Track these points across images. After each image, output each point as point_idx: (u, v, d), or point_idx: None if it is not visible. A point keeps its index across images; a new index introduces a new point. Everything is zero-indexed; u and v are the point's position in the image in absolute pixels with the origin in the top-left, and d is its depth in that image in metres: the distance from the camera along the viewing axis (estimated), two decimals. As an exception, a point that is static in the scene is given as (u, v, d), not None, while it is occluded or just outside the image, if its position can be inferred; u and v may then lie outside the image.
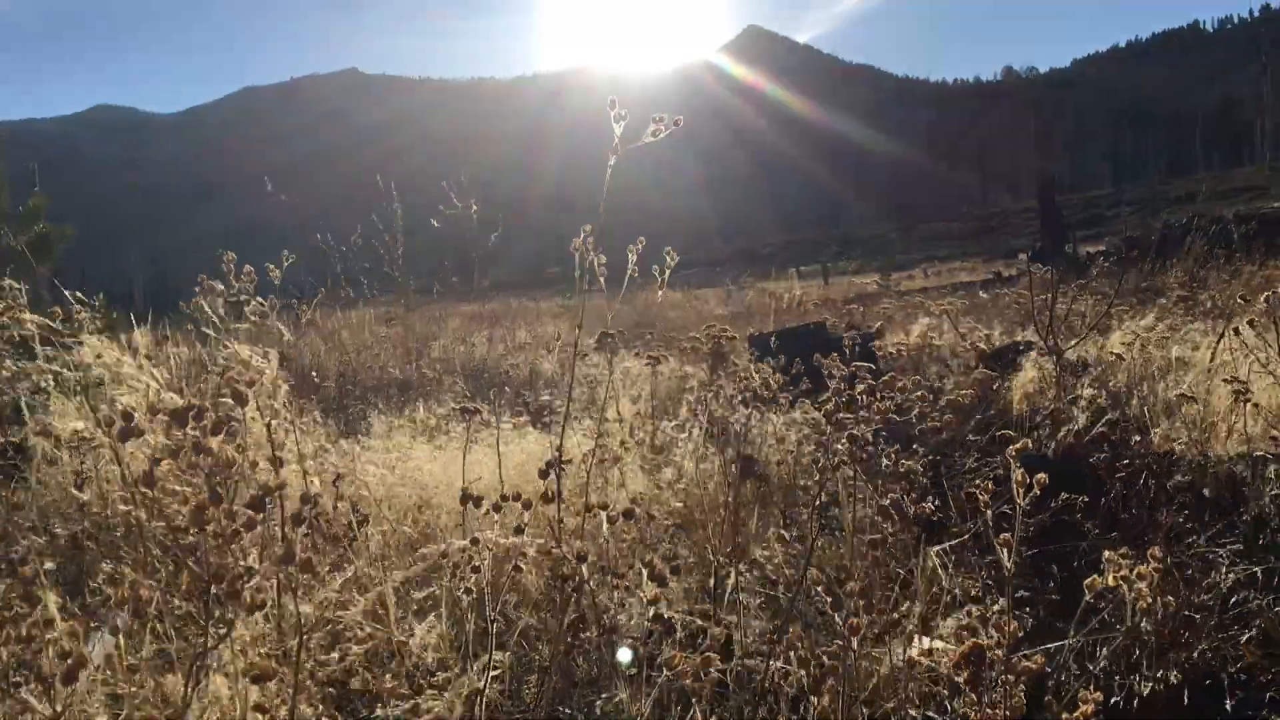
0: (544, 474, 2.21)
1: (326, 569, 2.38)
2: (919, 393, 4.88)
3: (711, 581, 2.69)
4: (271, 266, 3.04)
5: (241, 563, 1.27)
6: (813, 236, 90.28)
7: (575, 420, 4.11)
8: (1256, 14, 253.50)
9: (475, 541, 1.75)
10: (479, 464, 3.34)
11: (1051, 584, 3.03)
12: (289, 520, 1.43)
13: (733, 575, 2.57)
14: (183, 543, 1.27)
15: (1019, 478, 1.76)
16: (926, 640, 2.11)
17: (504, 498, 2.07)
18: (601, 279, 2.36)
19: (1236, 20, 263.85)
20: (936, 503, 3.05)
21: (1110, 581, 1.74)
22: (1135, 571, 1.73)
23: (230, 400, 1.54)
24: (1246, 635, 2.53)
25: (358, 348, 11.39)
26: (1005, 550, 1.76)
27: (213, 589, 1.25)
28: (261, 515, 1.36)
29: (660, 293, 2.52)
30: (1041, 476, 1.81)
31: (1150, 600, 1.72)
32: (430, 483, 3.42)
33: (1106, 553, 1.81)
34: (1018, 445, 1.90)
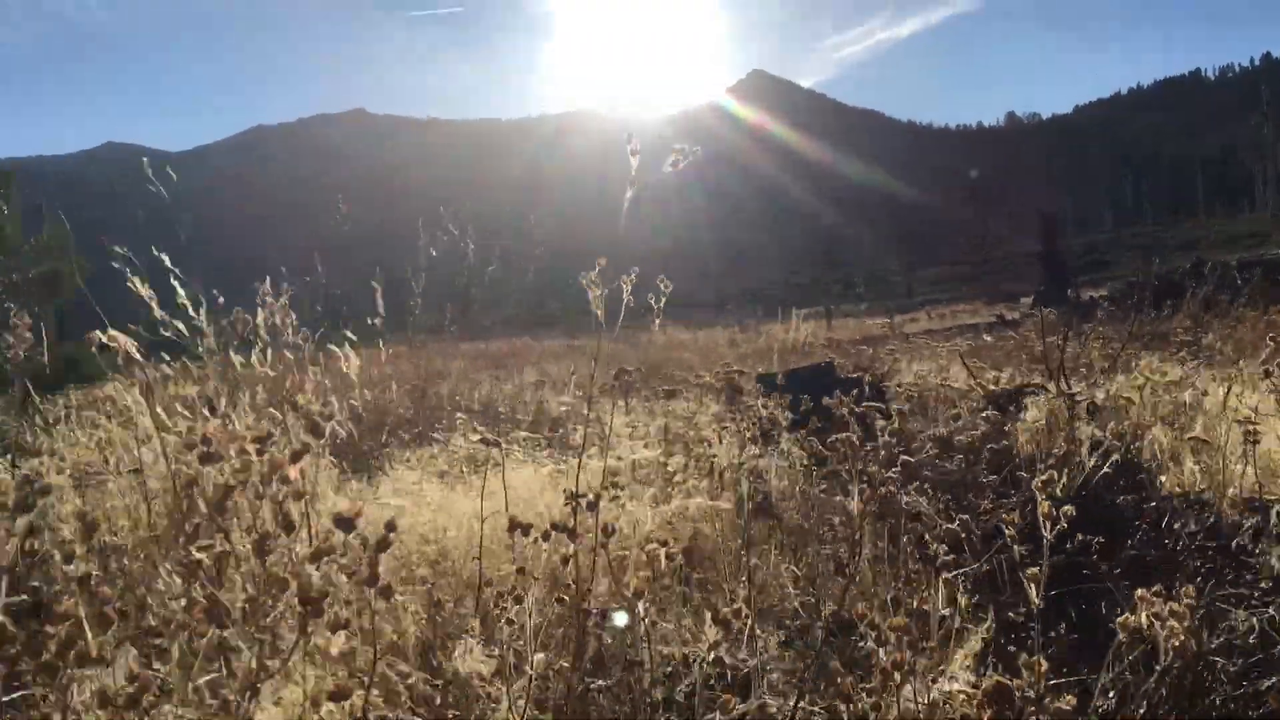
0: (586, 507, 2.22)
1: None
2: (929, 433, 4.89)
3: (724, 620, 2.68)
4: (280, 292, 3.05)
5: (323, 583, 1.29)
6: (818, 277, 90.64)
7: (587, 458, 4.11)
8: (1257, 63, 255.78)
9: (521, 571, 1.75)
10: (491, 500, 3.33)
11: (1065, 625, 3.02)
12: (373, 547, 1.44)
13: (749, 614, 2.55)
14: (242, 570, 1.28)
15: (1045, 510, 1.77)
16: (946, 682, 2.10)
17: (555, 525, 2.08)
18: (609, 316, 2.38)
19: (1237, 69, 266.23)
20: (949, 542, 3.04)
21: (1143, 620, 1.74)
22: (1169, 608, 1.72)
23: (306, 431, 1.56)
24: (1268, 683, 2.51)
25: (364, 384, 11.41)
26: (1033, 586, 1.76)
27: (295, 607, 1.26)
28: (344, 539, 1.37)
29: (657, 321, 2.54)
30: (1068, 509, 1.82)
31: (1183, 639, 1.72)
32: (440, 521, 3.42)
33: (1139, 590, 1.81)
34: (1044, 478, 1.91)
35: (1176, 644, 1.71)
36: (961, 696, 1.96)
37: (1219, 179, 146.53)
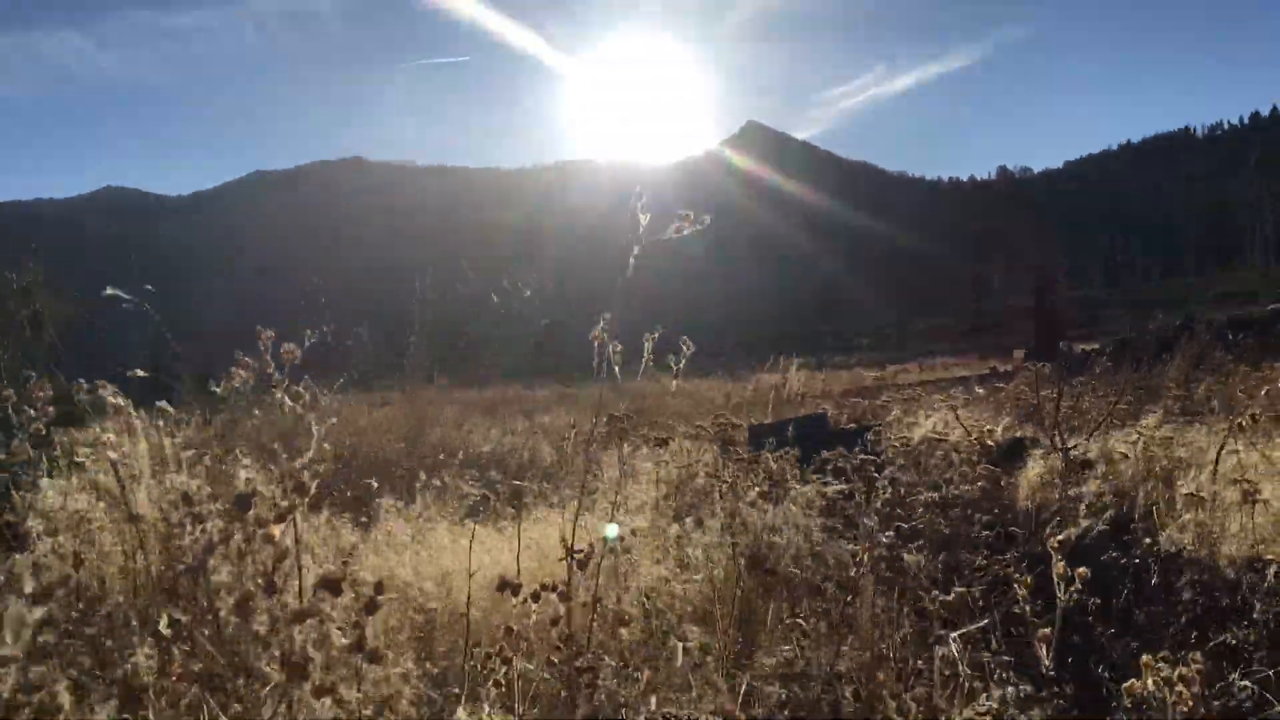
0: (582, 563, 2.19)
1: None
2: (926, 492, 4.87)
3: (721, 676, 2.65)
4: (290, 347, 3.04)
5: (308, 649, 1.26)
6: (813, 329, 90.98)
7: (584, 510, 4.08)
8: (1246, 121, 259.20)
9: (510, 631, 1.72)
10: (479, 553, 3.31)
11: (1062, 682, 2.98)
12: (362, 609, 1.41)
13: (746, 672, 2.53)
14: (224, 632, 1.25)
15: (1060, 570, 1.75)
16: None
17: (544, 586, 2.05)
18: (611, 366, 2.37)
19: (1227, 126, 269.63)
20: (946, 598, 3.02)
21: (1150, 685, 1.72)
22: (1177, 673, 1.70)
23: (293, 489, 1.53)
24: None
25: (356, 431, 11.37)
26: (1044, 646, 1.74)
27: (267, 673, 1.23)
28: (331, 602, 1.34)
29: (674, 383, 2.53)
30: (1083, 570, 1.81)
31: (1191, 705, 1.70)
32: (432, 573, 3.38)
33: (1144, 657, 1.79)
34: (1060, 537, 1.90)
35: (1185, 710, 1.69)
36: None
37: (1210, 235, 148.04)
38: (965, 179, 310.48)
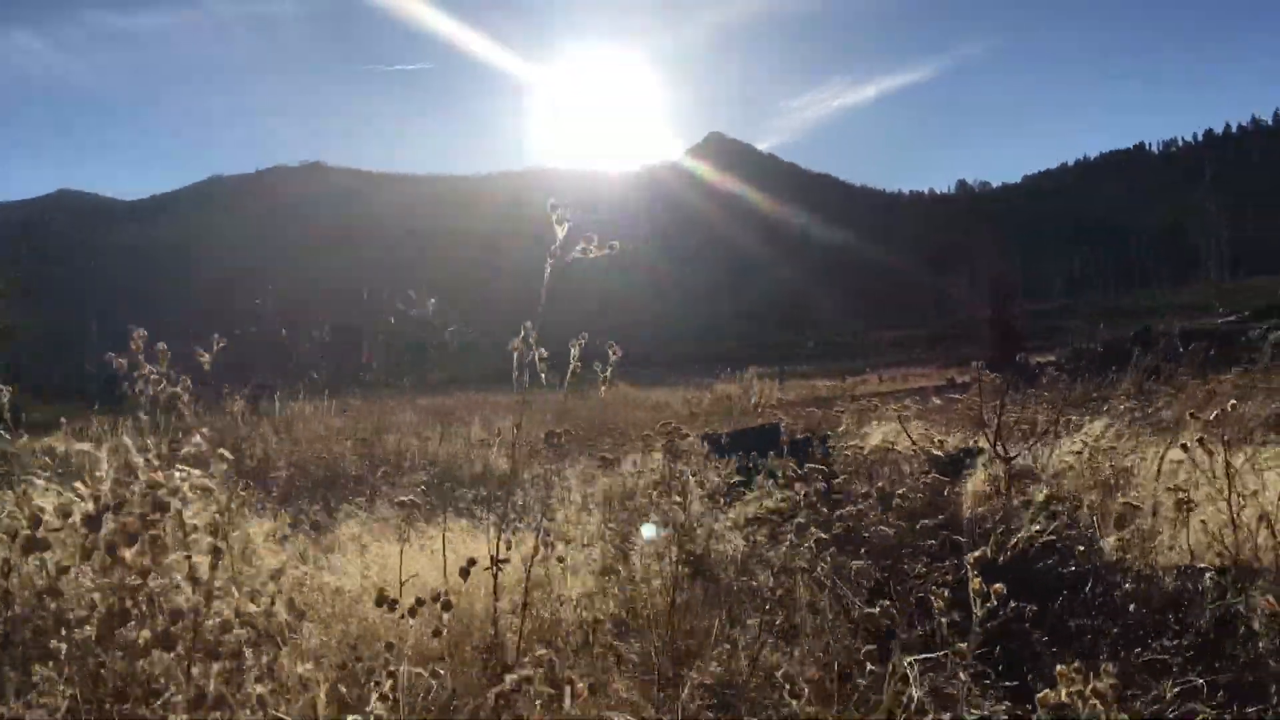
0: (464, 573, 2.16)
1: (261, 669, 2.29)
2: (871, 498, 4.89)
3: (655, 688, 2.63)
4: (200, 351, 2.96)
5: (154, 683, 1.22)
6: (775, 339, 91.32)
7: (528, 517, 4.06)
8: (1200, 138, 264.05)
9: (390, 647, 1.69)
10: (417, 561, 3.27)
11: (998, 692, 2.99)
12: (205, 654, 1.34)
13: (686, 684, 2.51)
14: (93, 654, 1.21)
15: (976, 586, 1.75)
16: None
17: (419, 602, 2.01)
18: (537, 375, 2.35)
19: (1181, 143, 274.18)
20: (886, 606, 3.03)
21: (1064, 697, 1.72)
22: (1090, 688, 1.71)
23: (151, 506, 1.47)
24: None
25: (310, 439, 11.26)
26: (959, 661, 1.74)
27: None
28: (179, 630, 1.30)
29: (603, 388, 2.51)
30: (999, 587, 1.81)
31: (1106, 716, 1.70)
32: (370, 584, 3.34)
33: (1059, 667, 1.79)
34: (976, 554, 1.90)
35: None
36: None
37: (1165, 250, 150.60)
38: (925, 192, 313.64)
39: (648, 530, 3.50)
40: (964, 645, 1.78)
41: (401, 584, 2.48)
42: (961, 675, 1.79)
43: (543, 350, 2.28)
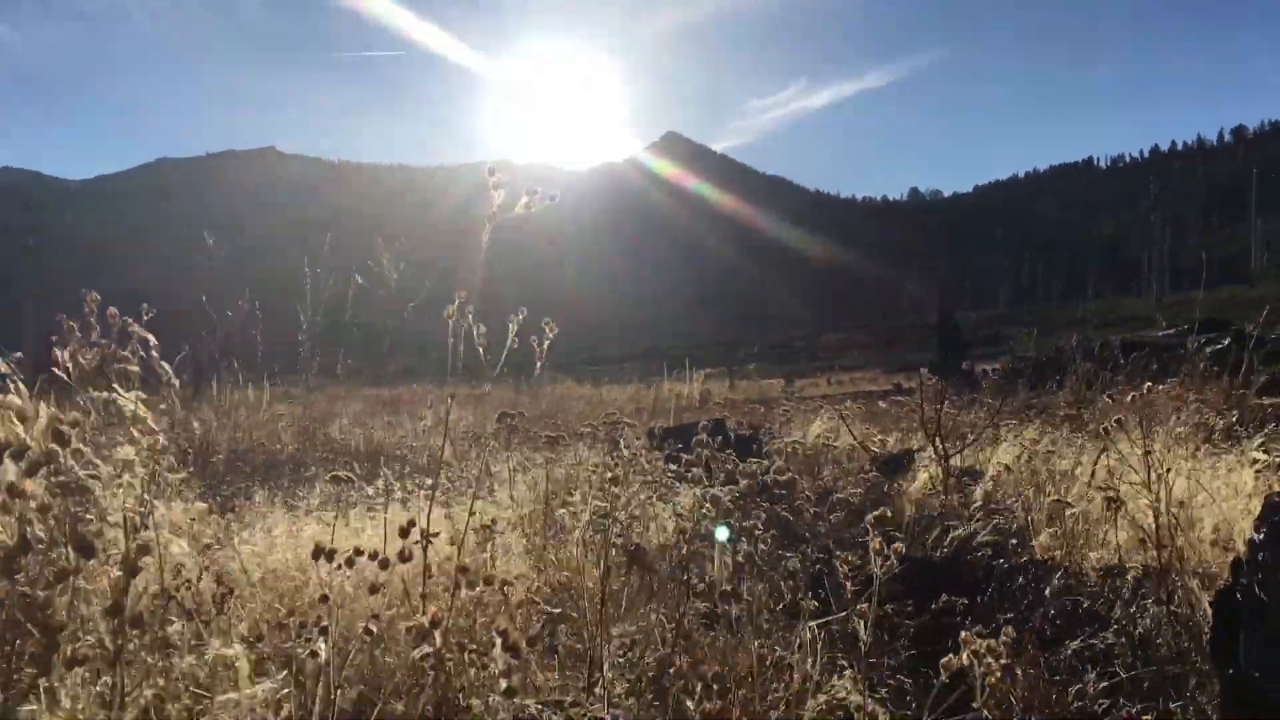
0: (404, 532, 2.14)
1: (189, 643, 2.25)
2: (809, 493, 4.92)
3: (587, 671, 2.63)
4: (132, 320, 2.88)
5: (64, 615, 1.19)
6: (727, 338, 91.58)
7: (465, 499, 4.03)
8: (1146, 155, 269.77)
9: (324, 599, 1.67)
10: (355, 539, 3.23)
11: (932, 685, 3.03)
12: (126, 572, 1.33)
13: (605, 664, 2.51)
14: None
15: (876, 545, 1.77)
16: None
17: (358, 552, 1.99)
18: (495, 362, 2.33)
19: (1128, 159, 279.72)
20: (819, 595, 3.05)
21: (964, 660, 1.75)
22: (986, 646, 1.74)
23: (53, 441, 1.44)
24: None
25: (252, 425, 11.08)
26: (861, 622, 1.75)
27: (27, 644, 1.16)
28: (87, 563, 1.28)
29: (537, 365, 2.50)
30: (898, 546, 1.83)
31: (999, 676, 1.73)
32: (304, 561, 3.30)
33: (963, 634, 1.82)
34: (878, 513, 1.92)
35: (993, 681, 1.72)
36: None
37: (1110, 263, 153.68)
38: (879, 198, 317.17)
39: (584, 517, 3.49)
40: (863, 605, 1.80)
41: (333, 551, 2.45)
42: (863, 635, 1.80)
43: (482, 326, 2.26)
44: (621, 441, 4.44)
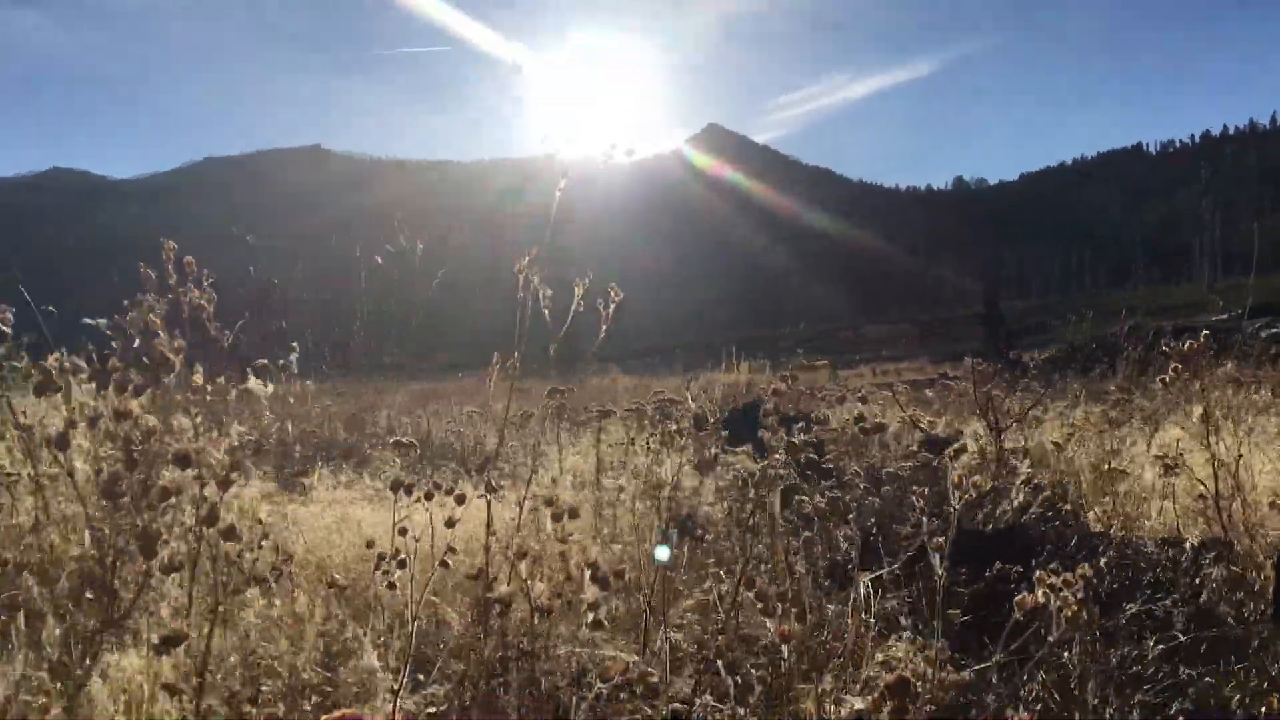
0: (460, 499, 2.18)
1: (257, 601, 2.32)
2: (858, 469, 4.92)
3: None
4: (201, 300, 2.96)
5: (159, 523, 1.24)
6: (769, 330, 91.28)
7: (519, 480, 4.08)
8: (1197, 139, 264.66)
9: (404, 532, 1.71)
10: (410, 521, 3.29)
11: (988, 652, 3.02)
12: (221, 484, 1.38)
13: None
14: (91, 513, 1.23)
15: (956, 479, 1.78)
16: (856, 700, 2.08)
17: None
18: (539, 309, 2.36)
19: (1178, 144, 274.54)
20: (871, 566, 3.05)
21: (1039, 597, 1.75)
22: (1063, 579, 1.73)
23: (154, 364, 1.50)
24: (1177, 706, 2.53)
25: (302, 416, 11.27)
26: (937, 557, 1.76)
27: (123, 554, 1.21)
28: (185, 474, 1.32)
29: (604, 327, 2.52)
30: (977, 479, 1.83)
31: (1076, 609, 1.73)
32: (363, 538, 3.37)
33: (1037, 573, 1.82)
34: (956, 446, 1.92)
35: (1069, 614, 1.72)
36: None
37: (1158, 250, 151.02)
38: (923, 188, 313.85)
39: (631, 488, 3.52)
40: (940, 539, 1.80)
41: (395, 524, 2.51)
42: (938, 568, 1.81)
43: (547, 290, 2.29)
44: (673, 420, 4.46)
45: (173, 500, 1.28)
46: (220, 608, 1.43)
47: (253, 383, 1.78)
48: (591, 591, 1.68)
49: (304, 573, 2.98)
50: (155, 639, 1.34)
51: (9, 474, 3.75)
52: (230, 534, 1.35)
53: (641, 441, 4.82)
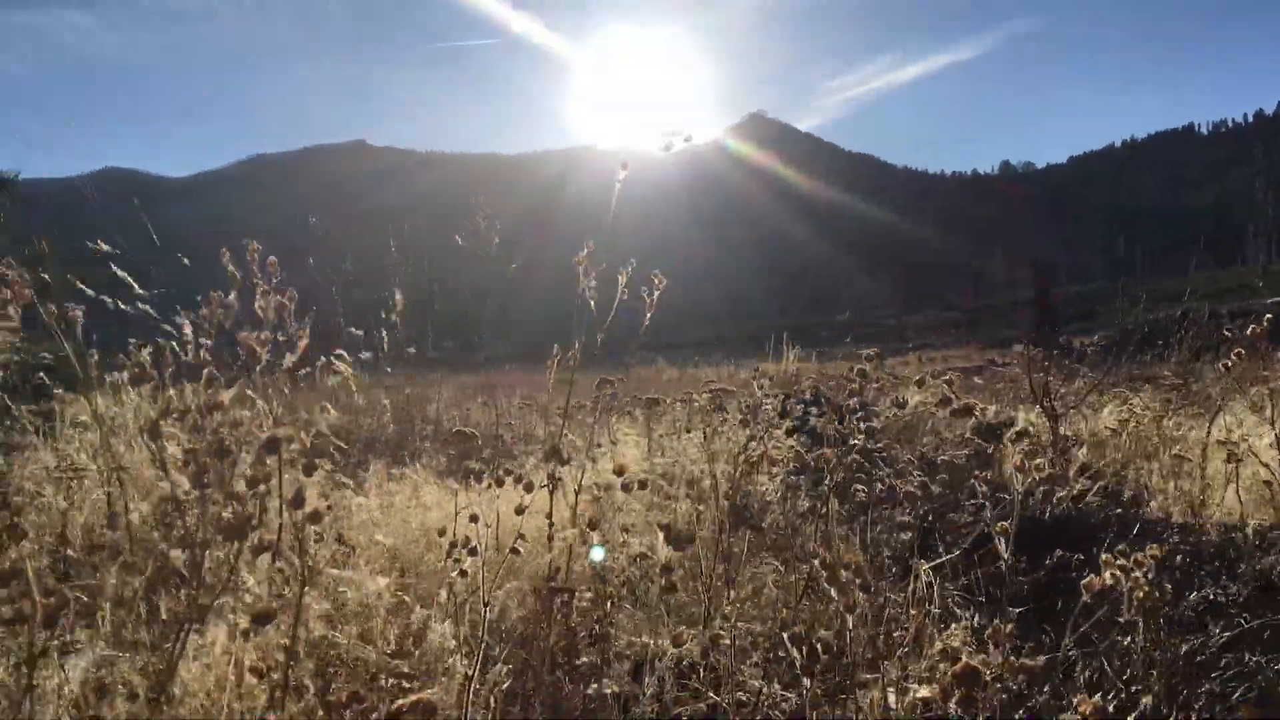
0: (529, 486, 2.20)
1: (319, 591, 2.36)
2: (911, 458, 4.89)
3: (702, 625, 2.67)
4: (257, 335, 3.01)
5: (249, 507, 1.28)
6: (812, 320, 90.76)
7: (572, 465, 4.10)
8: (1250, 118, 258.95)
9: (475, 519, 1.74)
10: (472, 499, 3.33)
11: (1047, 640, 3.00)
12: (305, 469, 1.42)
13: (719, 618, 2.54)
14: (182, 497, 1.27)
15: (1018, 463, 1.77)
16: (920, 689, 2.08)
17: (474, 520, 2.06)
18: (588, 300, 2.37)
19: (1230, 124, 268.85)
20: (928, 554, 3.04)
21: (1108, 579, 1.73)
22: (1134, 559, 1.72)
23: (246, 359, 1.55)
24: (1243, 692, 2.50)
25: (354, 409, 11.41)
26: (1002, 540, 1.75)
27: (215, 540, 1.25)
28: (272, 461, 1.37)
29: (648, 316, 2.53)
30: (1039, 462, 1.82)
31: (1147, 590, 1.71)
32: (423, 526, 3.42)
33: (1104, 555, 1.80)
34: (1017, 429, 1.91)
35: (1141, 595, 1.70)
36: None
37: (1210, 232, 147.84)
38: (969, 172, 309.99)
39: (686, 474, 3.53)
40: (1005, 524, 1.79)
41: (457, 513, 2.54)
42: (1004, 553, 1.80)
43: (592, 281, 2.31)
44: (726, 410, 4.48)
45: (261, 487, 1.31)
46: (307, 588, 1.47)
47: (342, 366, 1.82)
48: (666, 553, 1.70)
49: (365, 555, 3.03)
50: (242, 620, 1.39)
51: (78, 469, 3.86)
52: (315, 518, 1.39)
53: (696, 431, 4.83)
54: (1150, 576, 1.74)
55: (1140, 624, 1.84)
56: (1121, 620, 1.82)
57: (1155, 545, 1.91)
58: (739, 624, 2.54)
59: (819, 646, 1.62)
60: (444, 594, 2.19)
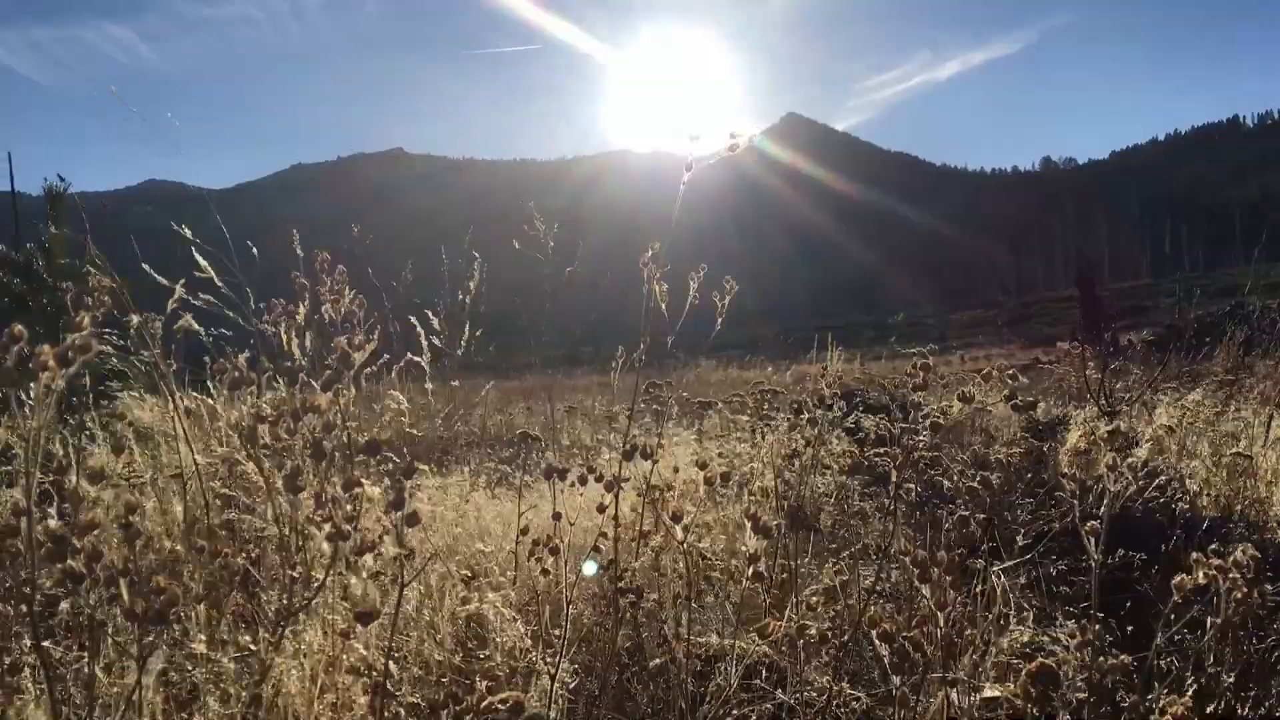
0: (585, 479, 2.22)
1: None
2: (963, 458, 4.86)
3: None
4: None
5: (346, 509, 1.30)
6: (851, 320, 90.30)
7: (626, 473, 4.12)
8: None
9: (558, 517, 1.76)
10: (527, 506, 3.36)
11: (1109, 639, 2.97)
12: (403, 472, 1.45)
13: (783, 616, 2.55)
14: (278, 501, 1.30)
15: (1110, 461, 1.75)
16: (989, 688, 2.08)
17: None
18: (658, 305, 2.37)
19: (1277, 115, 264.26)
20: (983, 554, 3.02)
21: (1201, 578, 1.72)
22: (1231, 560, 1.70)
23: (342, 364, 1.58)
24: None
25: (401, 415, 11.54)
26: (1091, 539, 1.74)
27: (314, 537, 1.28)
28: (370, 459, 1.39)
29: (719, 321, 2.54)
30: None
31: (1245, 590, 1.69)
32: (482, 528, 3.45)
33: (1195, 555, 1.79)
34: (1111, 427, 1.89)
35: (1240, 595, 1.69)
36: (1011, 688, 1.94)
37: (1257, 226, 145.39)
38: (1009, 169, 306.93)
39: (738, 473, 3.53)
40: (1094, 523, 1.78)
41: (520, 513, 2.57)
42: (1094, 552, 1.79)
43: (664, 285, 2.32)
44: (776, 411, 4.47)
45: (358, 490, 1.34)
46: (404, 588, 1.49)
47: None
48: (753, 542, 1.72)
49: (420, 557, 3.08)
50: (340, 620, 1.42)
51: (136, 476, 3.92)
52: (414, 519, 1.42)
53: (746, 433, 4.84)
54: (1249, 576, 1.72)
55: (1222, 624, 1.82)
56: (1205, 620, 1.79)
57: (1245, 546, 1.89)
58: (804, 622, 2.54)
59: (908, 645, 1.63)
60: (512, 592, 2.21)
